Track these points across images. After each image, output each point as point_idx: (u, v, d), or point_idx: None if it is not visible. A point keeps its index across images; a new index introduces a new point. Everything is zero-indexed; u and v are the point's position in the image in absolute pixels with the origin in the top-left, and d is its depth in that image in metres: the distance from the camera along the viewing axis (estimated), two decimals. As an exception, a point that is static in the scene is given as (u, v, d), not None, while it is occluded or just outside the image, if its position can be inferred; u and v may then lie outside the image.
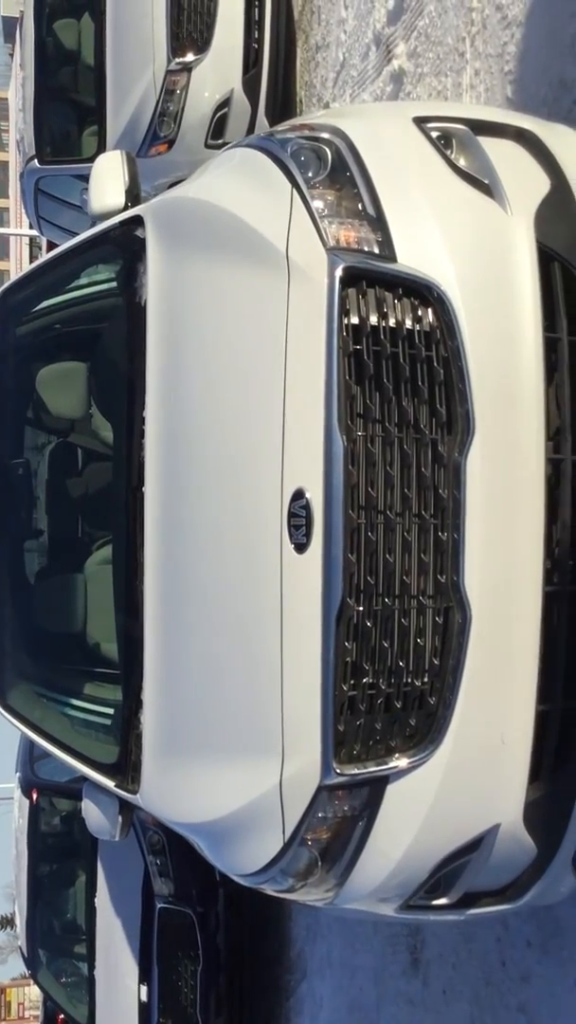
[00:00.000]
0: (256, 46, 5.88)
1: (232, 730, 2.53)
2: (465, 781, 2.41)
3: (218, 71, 5.83)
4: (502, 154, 2.56)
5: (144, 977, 4.99)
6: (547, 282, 2.44)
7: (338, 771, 2.37)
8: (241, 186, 2.62)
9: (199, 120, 5.76)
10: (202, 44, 5.76)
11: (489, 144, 2.57)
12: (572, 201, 2.52)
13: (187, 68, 5.77)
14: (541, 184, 2.54)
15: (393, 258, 2.38)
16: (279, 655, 2.39)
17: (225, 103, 5.79)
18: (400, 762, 2.38)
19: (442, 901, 2.61)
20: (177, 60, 5.74)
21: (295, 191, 2.47)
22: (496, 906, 2.67)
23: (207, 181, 2.77)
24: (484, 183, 2.49)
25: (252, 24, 5.74)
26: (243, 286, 2.52)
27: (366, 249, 2.39)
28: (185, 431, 2.65)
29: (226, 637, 2.53)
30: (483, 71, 3.76)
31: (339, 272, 2.34)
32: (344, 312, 2.35)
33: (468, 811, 2.44)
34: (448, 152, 2.53)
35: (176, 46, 5.75)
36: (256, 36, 5.85)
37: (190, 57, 5.75)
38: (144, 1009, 4.99)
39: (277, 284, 2.43)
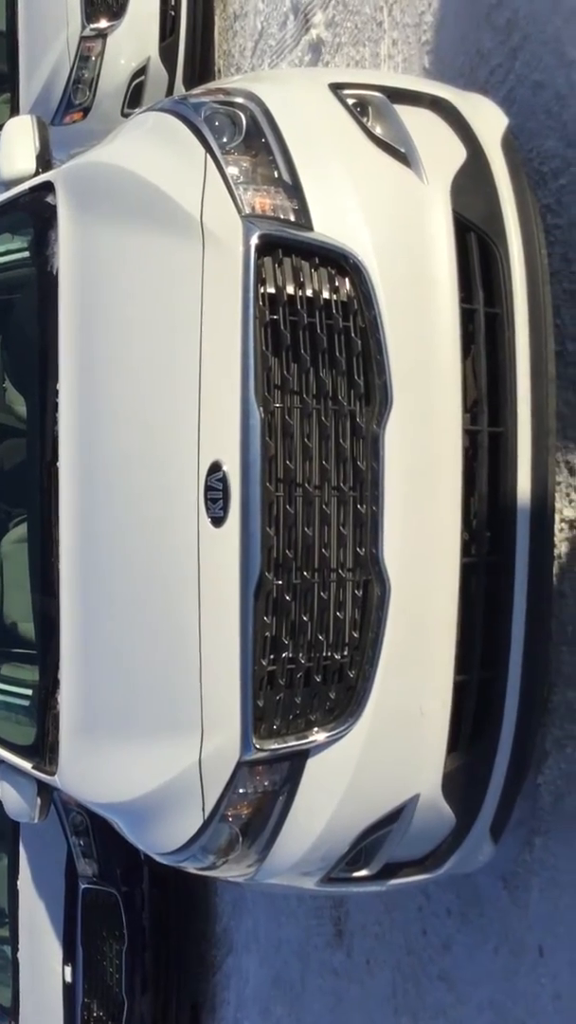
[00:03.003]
0: (173, 13, 5.75)
1: (151, 708, 2.49)
2: (384, 753, 2.41)
3: (134, 38, 5.70)
4: (418, 123, 2.54)
5: (68, 958, 4.94)
6: (463, 253, 2.43)
7: (258, 746, 2.35)
8: (154, 151, 2.56)
9: (115, 88, 5.63)
10: (117, 10, 5.61)
11: (405, 112, 2.54)
12: (488, 171, 2.51)
13: (102, 34, 5.62)
14: (457, 154, 2.52)
15: (309, 226, 2.35)
16: (197, 631, 2.36)
17: (142, 71, 5.66)
18: (320, 736, 2.37)
19: (363, 873, 2.62)
20: (92, 26, 5.59)
21: (209, 156, 2.41)
22: (417, 876, 2.69)
23: (119, 145, 2.70)
24: (400, 151, 2.46)
25: (169, -10, 5.63)
26: (157, 254, 2.46)
27: (282, 217, 2.35)
28: (100, 404, 2.59)
29: (144, 614, 2.49)
30: (401, 41, 3.73)
31: (254, 240, 2.30)
32: (260, 281, 2.31)
33: (388, 782, 2.45)
34: (364, 120, 2.50)
35: (91, 12, 5.60)
36: (173, 3, 5.73)
37: (105, 23, 5.59)
38: (69, 990, 4.95)
39: (192, 252, 2.38)
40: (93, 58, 5.64)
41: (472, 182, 2.47)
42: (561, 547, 2.75)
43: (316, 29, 4.44)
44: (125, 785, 2.58)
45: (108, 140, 2.79)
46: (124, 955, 4.81)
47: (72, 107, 5.67)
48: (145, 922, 4.96)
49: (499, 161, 2.53)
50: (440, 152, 2.50)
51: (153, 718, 2.49)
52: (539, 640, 2.49)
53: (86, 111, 5.66)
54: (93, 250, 2.66)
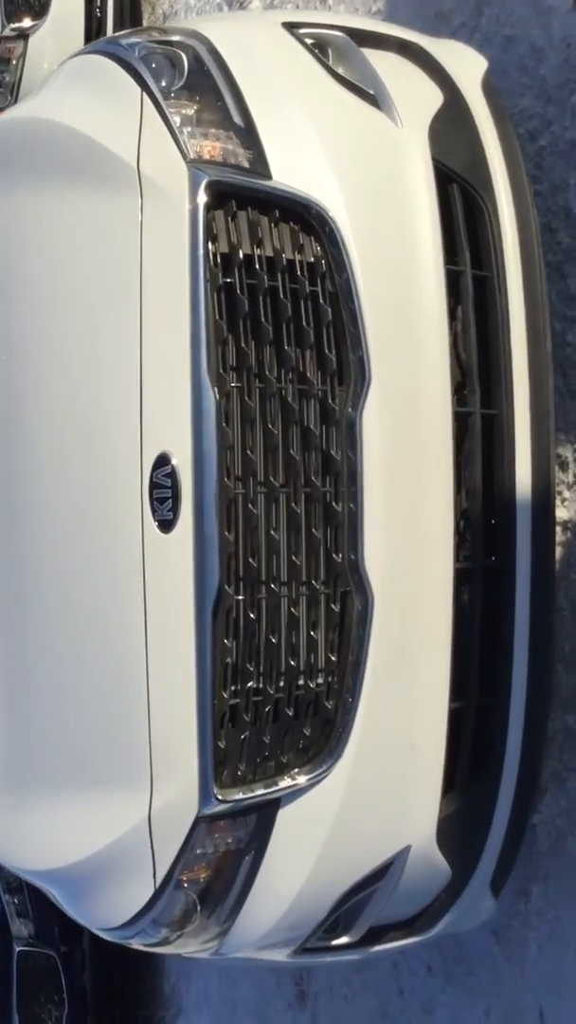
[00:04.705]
0: (99, 13, 5.47)
1: (89, 756, 2.07)
2: (370, 798, 2.03)
3: (58, 39, 5.39)
4: (386, 66, 2.20)
5: (3, 1028, 4.58)
6: (445, 207, 2.08)
7: (220, 797, 1.94)
8: (80, 97, 2.17)
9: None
10: (39, 9, 5.31)
11: (370, 56, 2.20)
12: (469, 116, 2.18)
13: (23, 35, 5.31)
14: (432, 97, 2.18)
15: (267, 175, 1.98)
16: (143, 659, 1.95)
17: (66, 74, 5.34)
18: (294, 781, 1.98)
19: (343, 940, 2.23)
20: (12, 26, 5.28)
21: (146, 95, 2.04)
22: (405, 940, 2.31)
23: (42, 97, 2.31)
24: (369, 93, 2.11)
25: (94, -11, 5.34)
26: (86, 212, 2.07)
27: (234, 163, 1.98)
28: (22, 390, 2.17)
29: (80, 642, 2.06)
30: (348, 13, 3.43)
31: (203, 188, 1.92)
32: (211, 238, 1.93)
33: (374, 834, 2.06)
34: (325, 60, 2.15)
35: (11, 10, 5.29)
36: (99, 3, 5.44)
37: (27, 23, 5.28)
38: (5, 1063, 4.56)
39: (126, 206, 1.99)
40: (14, 60, 5.32)
41: (452, 127, 2.14)
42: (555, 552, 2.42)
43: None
44: (60, 849, 2.15)
45: (32, 94, 2.41)
46: (64, 1021, 4.50)
47: (-8, 112, 5.32)
48: (87, 984, 4.69)
49: (480, 105, 2.20)
50: (413, 95, 2.16)
51: (93, 768, 2.07)
52: (545, 658, 2.14)
53: (7, 115, 5.32)
54: (15, 212, 2.25)
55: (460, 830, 2.13)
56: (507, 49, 2.75)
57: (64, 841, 2.14)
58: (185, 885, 2.07)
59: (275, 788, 1.97)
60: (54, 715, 2.12)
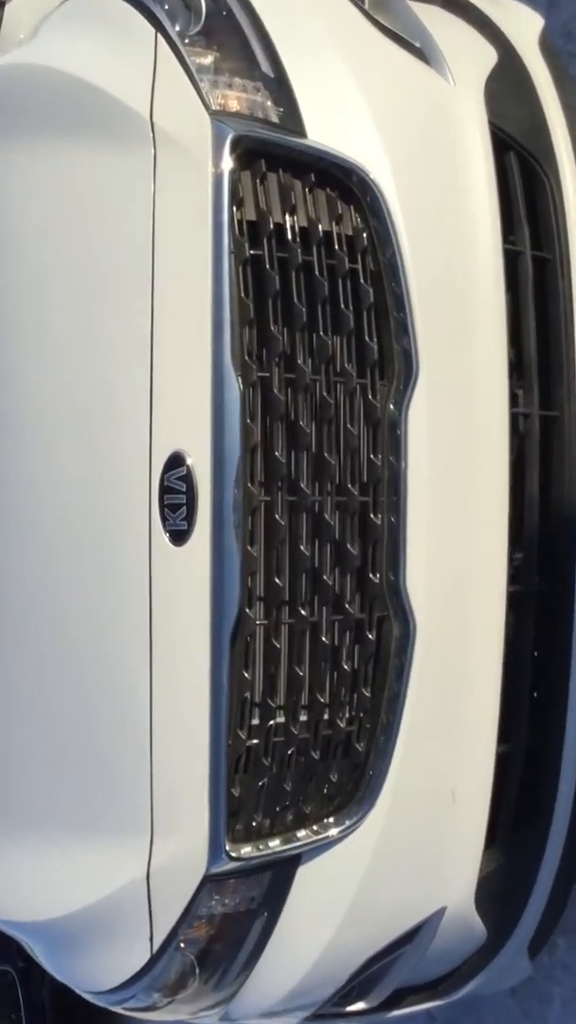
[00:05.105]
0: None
1: (81, 798, 1.78)
2: (404, 855, 1.77)
3: (35, 10, 5.04)
4: (431, 18, 1.93)
5: (-42, 1049, 4.28)
6: (502, 177, 1.82)
7: (231, 854, 1.67)
8: (82, 40, 1.87)
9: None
10: (14, -24, 4.97)
11: (413, 7, 1.94)
12: (527, 76, 1.92)
13: (-1, 4, 4.97)
14: (486, 54, 1.92)
15: (301, 132, 1.71)
16: (147, 692, 1.67)
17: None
18: (318, 835, 1.71)
19: (359, 1006, 1.97)
20: (-15, -6, 4.93)
21: (161, 37, 1.75)
22: (426, 1003, 2.05)
23: (38, 41, 2.01)
24: (415, 46, 1.85)
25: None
26: (88, 171, 1.78)
27: (263, 117, 1.71)
28: (13, 378, 1.87)
29: (74, 669, 1.77)
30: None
31: (229, 143, 1.64)
32: (236, 203, 1.65)
33: (406, 895, 1.80)
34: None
35: (-17, -22, 4.94)
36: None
37: (0, -9, 4.94)
38: None
39: (137, 164, 1.70)
40: (-11, 32, 4.98)
41: (509, 87, 1.88)
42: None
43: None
44: (42, 901, 1.86)
45: (28, 39, 2.11)
46: (22, 1039, 4.26)
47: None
48: (45, 1000, 4.35)
49: (538, 65, 1.95)
50: (464, 51, 1.89)
51: (84, 811, 1.78)
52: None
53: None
54: (9, 172, 1.95)
55: (500, 889, 1.87)
56: (550, 13, 2.51)
57: (48, 892, 1.85)
58: (183, 945, 1.80)
59: (296, 843, 1.70)
60: (42, 751, 1.83)
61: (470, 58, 1.88)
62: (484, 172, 1.77)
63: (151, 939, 1.77)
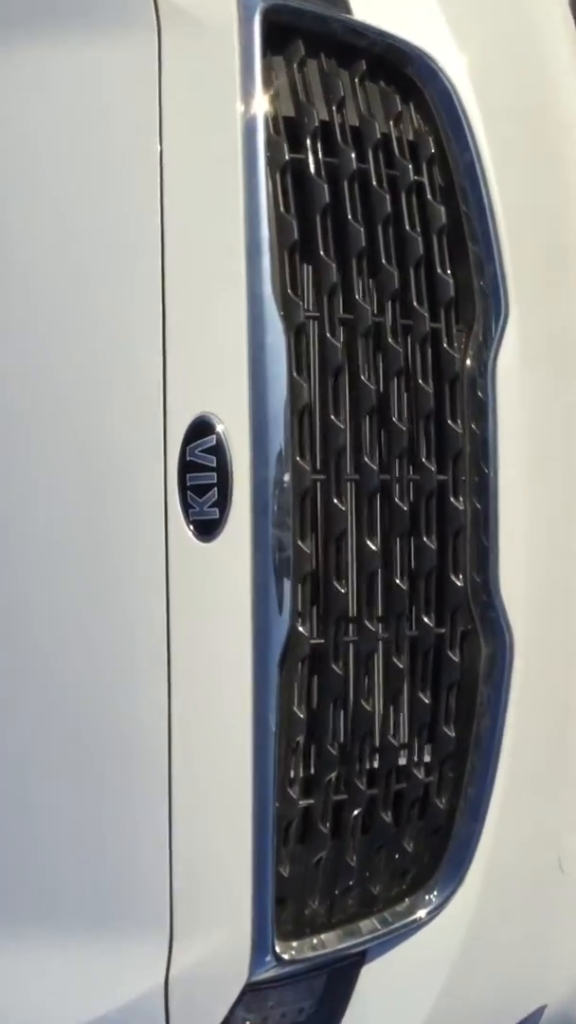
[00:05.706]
0: None
1: (78, 886, 1.33)
2: (499, 944, 1.36)
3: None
4: None
5: None
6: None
7: (282, 955, 1.24)
8: None
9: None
10: None
11: None
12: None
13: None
14: None
15: (346, 7, 1.33)
16: (164, 739, 1.24)
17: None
18: (392, 924, 1.29)
19: None
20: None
21: None
22: None
23: None
24: None
25: None
26: (72, 61, 1.36)
27: (300, -11, 1.32)
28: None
29: (69, 707, 1.32)
30: None
31: (259, 16, 1.25)
32: (271, 94, 1.26)
33: (500, 992, 1.40)
34: None
35: None
36: None
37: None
38: None
39: (137, 48, 1.30)
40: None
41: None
42: None
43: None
44: (35, 1016, 1.41)
45: None
46: None
47: None
48: None
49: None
50: None
51: (82, 904, 1.33)
52: None
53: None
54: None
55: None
56: None
57: (42, 1005, 1.41)
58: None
59: (358, 940, 1.29)
60: (31, 824, 1.37)
61: None
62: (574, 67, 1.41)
63: (169, 1068, 1.33)
